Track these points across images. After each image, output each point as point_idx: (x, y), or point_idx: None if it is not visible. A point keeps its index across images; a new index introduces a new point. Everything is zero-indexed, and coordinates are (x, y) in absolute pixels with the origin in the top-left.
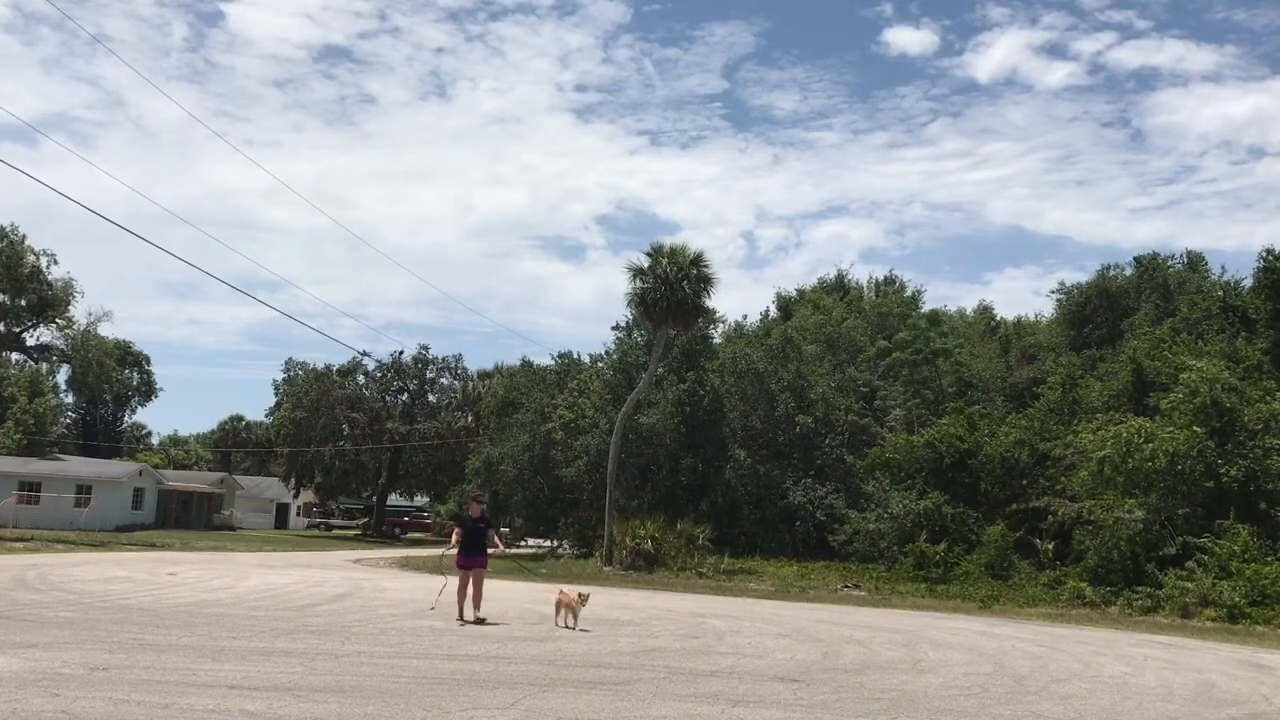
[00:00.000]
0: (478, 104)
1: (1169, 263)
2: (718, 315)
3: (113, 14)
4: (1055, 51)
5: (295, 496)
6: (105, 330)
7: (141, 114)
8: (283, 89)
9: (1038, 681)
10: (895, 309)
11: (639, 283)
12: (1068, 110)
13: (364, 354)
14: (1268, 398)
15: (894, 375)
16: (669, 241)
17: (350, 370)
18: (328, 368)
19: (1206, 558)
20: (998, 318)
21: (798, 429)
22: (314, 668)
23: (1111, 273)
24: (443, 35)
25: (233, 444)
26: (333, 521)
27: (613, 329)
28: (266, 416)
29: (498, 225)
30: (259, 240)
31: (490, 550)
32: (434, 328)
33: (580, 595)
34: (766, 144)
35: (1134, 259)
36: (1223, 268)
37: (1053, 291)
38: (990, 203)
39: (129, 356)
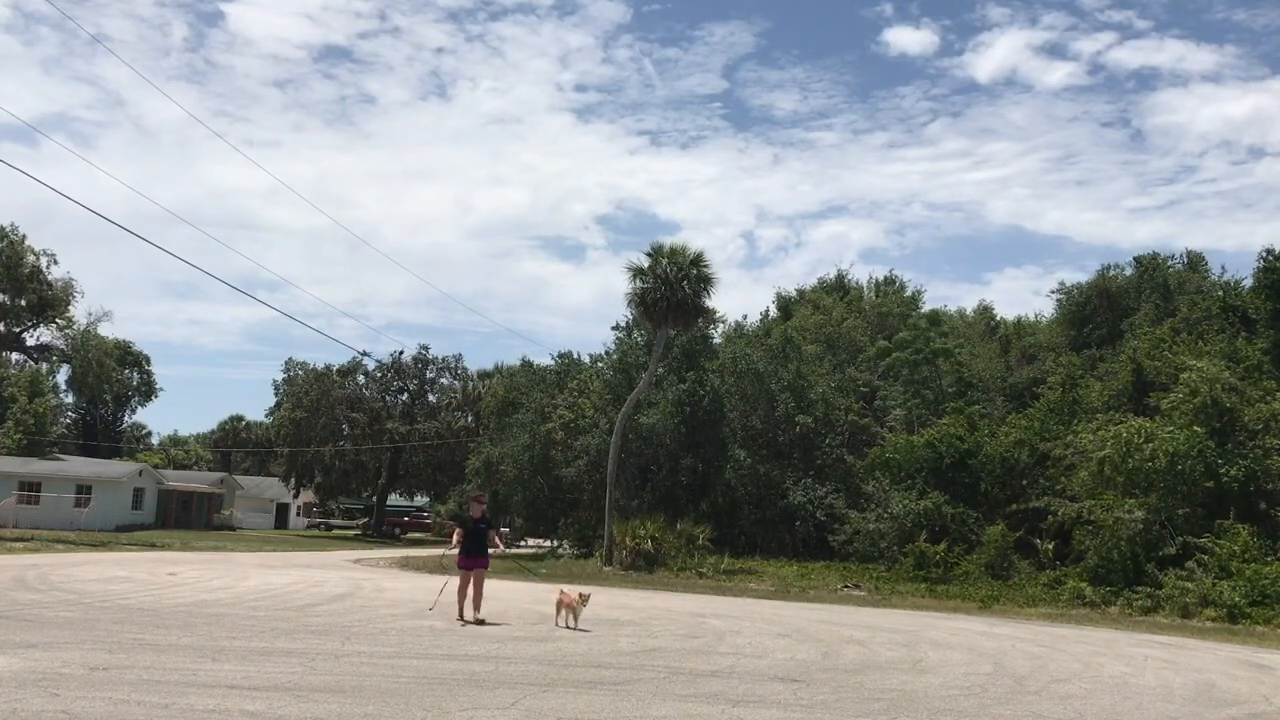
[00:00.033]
0: (478, 104)
1: (1169, 263)
2: (718, 315)
3: (113, 14)
4: (1055, 51)
5: (295, 496)
6: (105, 330)
7: (141, 114)
8: (283, 89)
9: (1038, 681)
10: (895, 309)
11: (639, 283)
12: (1068, 110)
13: (364, 354)
14: (1268, 398)
15: (894, 375)
16: (669, 241)
17: (350, 370)
18: (328, 368)
19: (1206, 558)
20: (998, 318)
21: (798, 429)
22: (314, 668)
23: (1111, 273)
24: (443, 35)
25: (233, 444)
26: (333, 521)
27: (613, 329)
28: (266, 416)
29: (498, 225)
30: (259, 240)
31: (491, 550)
32: (434, 328)
33: (581, 595)
34: (766, 144)
35: (1134, 259)
36: (1223, 268)
37: (1053, 291)
38: (990, 203)
39: (129, 356)
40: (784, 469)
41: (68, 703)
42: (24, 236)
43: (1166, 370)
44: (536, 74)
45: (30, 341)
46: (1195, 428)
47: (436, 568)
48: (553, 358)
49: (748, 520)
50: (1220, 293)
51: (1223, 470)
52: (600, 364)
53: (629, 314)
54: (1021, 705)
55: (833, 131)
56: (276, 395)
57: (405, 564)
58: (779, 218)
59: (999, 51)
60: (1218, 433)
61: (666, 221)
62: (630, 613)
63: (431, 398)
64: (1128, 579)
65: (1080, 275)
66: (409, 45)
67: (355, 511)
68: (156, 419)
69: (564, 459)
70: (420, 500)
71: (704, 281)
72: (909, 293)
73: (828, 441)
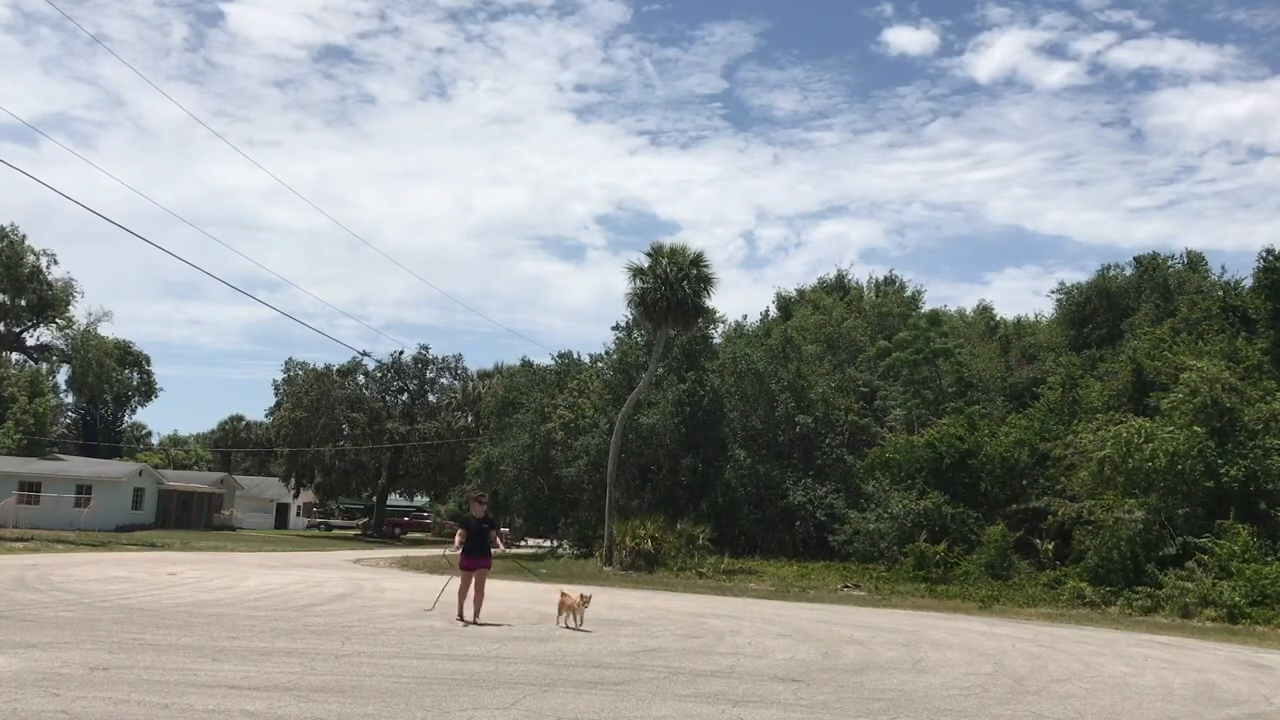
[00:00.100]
0: (478, 104)
1: (1169, 263)
2: (718, 315)
3: (112, 14)
4: (1055, 51)
5: (295, 496)
6: (105, 330)
7: (141, 114)
8: (283, 89)
9: (1038, 681)
10: (895, 309)
11: (639, 283)
12: (1068, 110)
13: (364, 354)
14: (1268, 398)
15: (894, 375)
16: (669, 241)
17: (350, 370)
18: (328, 368)
19: (1206, 558)
20: (998, 318)
21: (798, 429)
22: (314, 668)
23: (1111, 273)
24: (443, 35)
25: (233, 444)
26: (333, 521)
27: (613, 329)
28: (266, 416)
29: (498, 225)
30: (259, 240)
31: (492, 550)
32: (434, 328)
33: (583, 597)
34: (766, 144)
35: (1134, 259)
36: (1223, 268)
37: (1053, 291)
38: (990, 203)
39: (129, 356)
40: (784, 469)
41: (68, 703)
42: (24, 236)
43: (1166, 370)
44: (536, 74)
45: (30, 341)
46: (1195, 428)
47: (436, 568)
48: (553, 358)
49: (748, 520)
50: (1220, 293)
51: (1223, 470)
52: (600, 364)
53: (629, 314)
54: (1021, 705)
55: (833, 131)
56: (276, 395)
57: (405, 564)
58: (779, 218)
59: (999, 51)
60: (1218, 433)
61: (666, 221)
62: (630, 613)
63: (431, 398)
64: (1128, 579)
65: (1080, 275)
66: (409, 45)
67: (355, 511)
68: (156, 419)
69: (564, 459)
70: (420, 500)
71: (704, 281)
72: (909, 293)
73: (828, 441)
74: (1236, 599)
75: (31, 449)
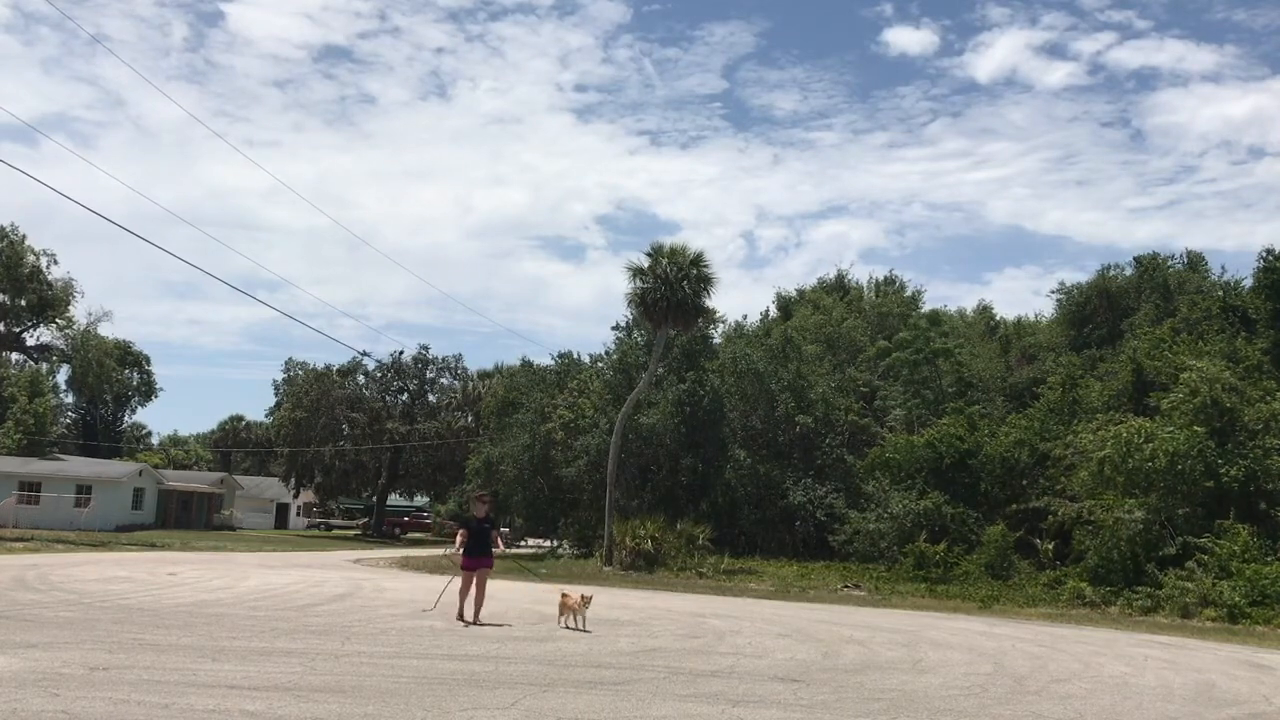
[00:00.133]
0: (478, 104)
1: (1169, 263)
2: (718, 315)
3: (112, 14)
4: (1055, 51)
5: (295, 496)
6: (105, 330)
7: (141, 114)
8: (283, 89)
9: (1038, 681)
10: (895, 309)
11: (639, 283)
12: (1068, 110)
13: (364, 354)
14: (1268, 398)
15: (894, 375)
16: (669, 241)
17: (350, 370)
18: (328, 368)
19: (1206, 558)
20: (998, 318)
21: (798, 429)
22: (314, 668)
23: (1111, 273)
24: (443, 35)
25: (233, 444)
26: (333, 521)
27: (613, 329)
28: (266, 416)
29: (498, 225)
30: (259, 240)
31: (493, 550)
32: (434, 328)
33: (584, 597)
34: (766, 144)
35: (1134, 259)
36: (1223, 268)
37: (1053, 291)
38: (990, 203)
39: (129, 356)
40: (784, 469)
41: (68, 703)
42: (24, 236)
43: (1166, 370)
44: (536, 74)
45: (30, 341)
46: (1195, 428)
47: (437, 567)
48: (553, 358)
49: (748, 520)
50: (1220, 293)
51: (1223, 470)
52: (600, 364)
53: (629, 314)
54: (1021, 705)
55: (833, 131)
56: (276, 395)
57: (405, 564)
58: (779, 218)
59: (999, 51)
60: (1218, 433)
61: (666, 221)
62: (630, 613)
63: (431, 398)
64: (1128, 579)
65: (1080, 275)
66: (409, 45)
67: (355, 511)
68: (156, 419)
69: (564, 459)
70: (420, 500)
71: (704, 281)
72: (909, 293)
73: (828, 441)
74: (1236, 599)
75: (31, 449)
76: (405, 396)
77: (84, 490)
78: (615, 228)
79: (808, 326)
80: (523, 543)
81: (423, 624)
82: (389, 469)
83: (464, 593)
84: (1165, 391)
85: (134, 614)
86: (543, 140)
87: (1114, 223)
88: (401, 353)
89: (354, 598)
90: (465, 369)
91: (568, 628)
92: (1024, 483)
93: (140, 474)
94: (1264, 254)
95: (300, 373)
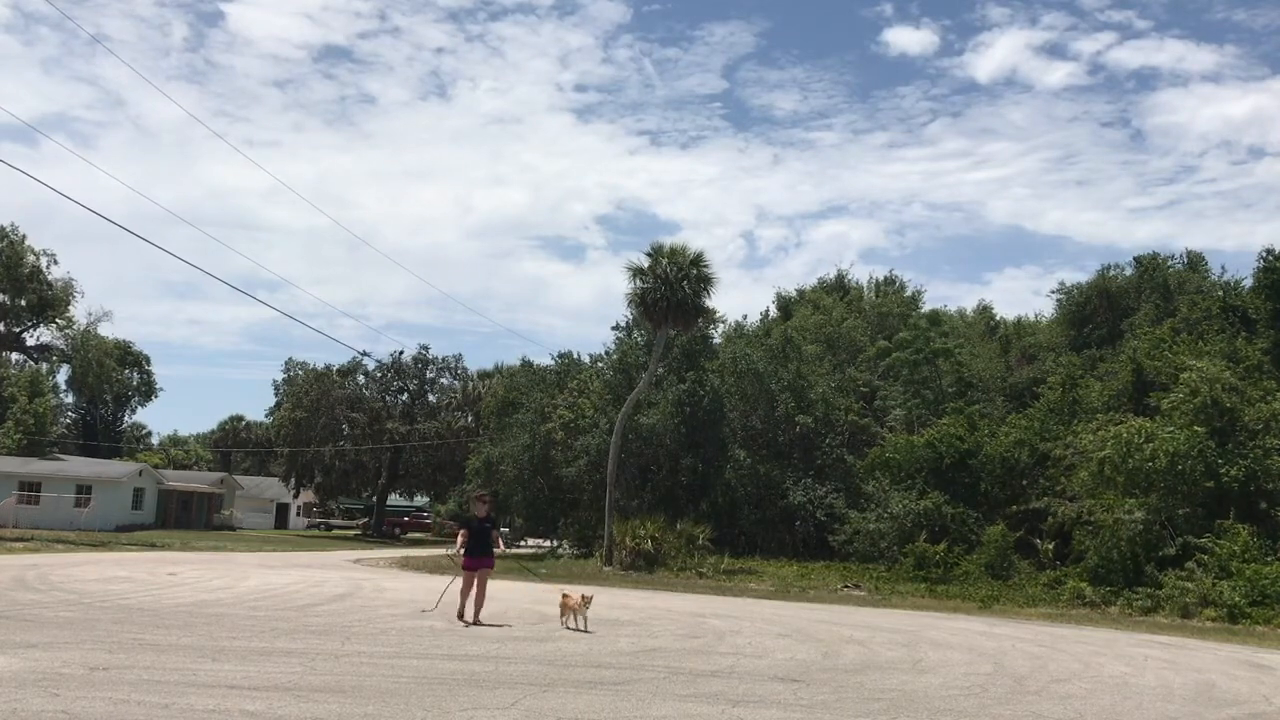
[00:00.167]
0: (478, 104)
1: (1169, 263)
2: (718, 315)
3: (112, 14)
4: (1055, 51)
5: (295, 496)
6: (105, 330)
7: (141, 114)
8: (283, 89)
9: (1038, 681)
10: (895, 309)
11: (639, 283)
12: (1068, 110)
13: (364, 354)
14: (1268, 398)
15: (894, 375)
16: (669, 241)
17: (350, 370)
18: (328, 368)
19: (1206, 558)
20: (998, 318)
21: (798, 429)
22: (314, 668)
23: (1111, 273)
24: (443, 35)
25: (233, 444)
26: (333, 521)
27: (613, 329)
28: (266, 416)
29: (498, 225)
30: (259, 240)
31: (494, 550)
32: (434, 328)
33: (584, 597)
34: (766, 144)
35: (1134, 259)
36: (1223, 268)
37: (1053, 291)
38: (990, 203)
39: (129, 356)
40: (784, 469)
41: (68, 703)
42: (24, 236)
43: (1166, 370)
44: (536, 74)
45: (30, 341)
46: (1195, 428)
47: (437, 567)
48: (553, 358)
49: (748, 520)
50: (1220, 293)
51: (1223, 470)
52: (600, 364)
53: (629, 314)
54: (1021, 705)
55: (833, 131)
56: (276, 395)
57: (405, 564)
58: (779, 218)
59: (999, 51)
60: (1218, 433)
61: (666, 221)
62: (630, 613)
63: (431, 398)
64: (1128, 579)
65: (1080, 275)
66: (409, 45)
67: (355, 511)
68: (156, 419)
69: (564, 459)
70: (420, 500)
71: (704, 281)
72: (909, 293)
73: (828, 441)
74: (1236, 599)
75: (31, 449)
76: (405, 396)
77: (84, 490)
78: (615, 228)
79: (808, 326)
80: (523, 543)
81: (423, 624)
82: (389, 469)
83: (465, 593)
84: (1165, 391)
85: (134, 614)
86: (543, 140)
87: (1114, 223)
88: (401, 353)
89: (354, 598)
90: (465, 369)
91: (569, 628)
92: (1024, 483)
93: (140, 474)
94: (1264, 254)
95: (300, 373)
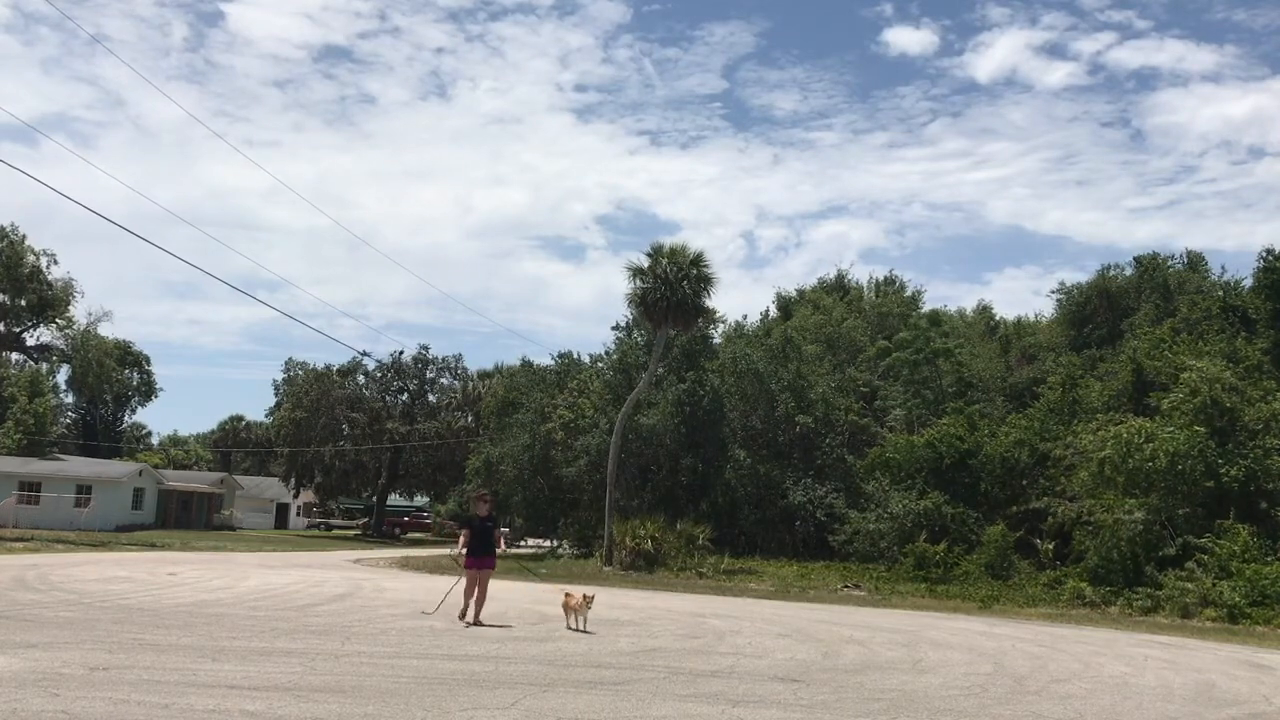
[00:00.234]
0: (478, 104)
1: (1169, 263)
2: (718, 315)
3: (112, 14)
4: (1055, 51)
5: (295, 496)
6: (105, 330)
7: (141, 114)
8: (283, 89)
9: (1038, 681)
10: (895, 309)
11: (639, 283)
12: (1068, 110)
13: (364, 354)
14: (1268, 398)
15: (894, 375)
16: (669, 241)
17: (350, 370)
18: (328, 368)
19: (1206, 558)
20: (998, 318)
21: (798, 429)
22: (314, 668)
23: (1111, 273)
24: (443, 35)
25: (233, 444)
26: (333, 521)
27: (613, 329)
28: (266, 416)
29: (498, 225)
30: (259, 240)
31: (495, 550)
32: (434, 328)
33: (585, 597)
34: (766, 144)
35: (1134, 259)
36: (1223, 268)
37: (1053, 291)
38: (990, 203)
39: (129, 356)
40: (784, 469)
41: (68, 703)
42: (24, 236)
43: (1166, 370)
44: (536, 74)
45: (30, 341)
46: (1195, 428)
47: (437, 568)
48: (553, 358)
49: (748, 520)
50: (1220, 293)
51: (1223, 470)
52: (600, 364)
53: (629, 314)
54: (1021, 705)
55: (833, 131)
56: (276, 395)
57: (405, 564)
58: (779, 218)
59: (999, 51)
60: (1218, 433)
61: (666, 221)
62: (630, 613)
63: (431, 398)
64: (1128, 579)
65: (1080, 275)
66: (409, 45)
67: (355, 511)
68: (156, 419)
69: (564, 459)
70: (420, 500)
71: (704, 281)
72: (909, 293)
73: (828, 441)
74: (1236, 599)
75: (31, 449)
76: (405, 396)
77: (84, 490)
78: (615, 228)
79: (808, 326)
80: (523, 543)
81: (423, 624)
82: (389, 469)
83: (468, 593)
84: (1165, 391)
85: (134, 614)
86: (543, 140)
87: (1114, 223)
88: (401, 353)
89: (354, 598)
90: (465, 369)
91: (571, 628)
92: (1024, 483)
93: (140, 474)
94: (1264, 254)
95: (300, 373)
